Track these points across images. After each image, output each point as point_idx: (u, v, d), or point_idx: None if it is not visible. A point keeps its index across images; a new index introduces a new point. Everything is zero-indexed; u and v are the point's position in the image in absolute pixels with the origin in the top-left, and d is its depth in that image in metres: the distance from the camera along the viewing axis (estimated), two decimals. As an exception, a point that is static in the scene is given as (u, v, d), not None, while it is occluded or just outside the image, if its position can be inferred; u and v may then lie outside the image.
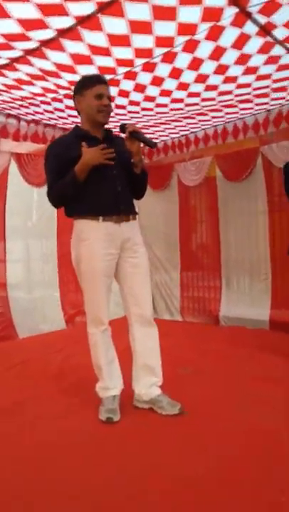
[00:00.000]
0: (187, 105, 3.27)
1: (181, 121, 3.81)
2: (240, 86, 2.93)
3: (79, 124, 2.24)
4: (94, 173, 2.03)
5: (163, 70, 2.63)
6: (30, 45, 2.26)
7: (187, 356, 3.14)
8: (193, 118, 3.72)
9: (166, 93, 3.00)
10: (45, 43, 2.26)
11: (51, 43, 2.26)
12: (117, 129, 2.26)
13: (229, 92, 3.03)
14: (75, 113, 3.43)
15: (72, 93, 2.87)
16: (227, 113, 3.62)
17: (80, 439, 1.93)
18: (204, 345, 3.55)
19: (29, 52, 2.34)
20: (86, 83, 2.08)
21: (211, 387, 2.54)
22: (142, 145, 2.10)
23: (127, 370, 2.27)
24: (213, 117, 3.73)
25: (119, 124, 2.20)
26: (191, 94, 3.04)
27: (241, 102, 3.29)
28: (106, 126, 2.18)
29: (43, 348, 3.55)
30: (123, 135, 2.11)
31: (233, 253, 4.37)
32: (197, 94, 3.03)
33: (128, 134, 2.05)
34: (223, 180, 4.29)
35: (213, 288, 4.55)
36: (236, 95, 3.11)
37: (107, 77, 2.61)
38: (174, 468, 1.67)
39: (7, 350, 3.58)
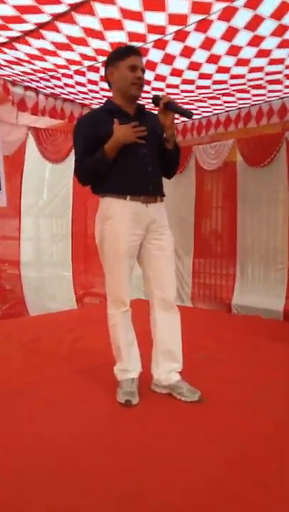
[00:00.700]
0: (215, 82, 3.12)
1: (205, 101, 3.68)
2: (273, 62, 2.76)
3: (110, 98, 2.14)
4: (124, 150, 1.95)
5: (194, 39, 2.50)
6: (60, 8, 2.14)
7: (201, 342, 3.09)
8: (218, 99, 3.59)
9: (194, 66, 2.85)
10: (74, 7, 2.14)
11: (81, 7, 2.14)
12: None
13: (260, 69, 2.88)
14: (95, 88, 3.37)
15: (97, 64, 2.82)
16: (254, 94, 3.47)
17: (96, 423, 1.88)
18: (217, 332, 3.51)
19: (57, 16, 2.22)
20: (120, 54, 1.99)
21: (226, 374, 2.50)
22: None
23: (143, 353, 2.22)
24: (239, 99, 3.59)
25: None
26: (220, 69, 2.89)
27: (271, 82, 3.15)
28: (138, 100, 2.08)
29: (54, 327, 3.52)
30: (156, 108, 2.00)
31: (249, 241, 4.29)
32: (227, 70, 2.88)
33: (162, 106, 1.94)
34: (243, 166, 4.18)
35: (226, 276, 4.48)
36: (267, 73, 2.95)
37: (136, 44, 2.52)
38: (194, 457, 1.62)
39: (18, 327, 3.56)
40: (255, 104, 3.82)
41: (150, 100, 2.09)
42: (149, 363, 2.20)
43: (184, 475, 1.49)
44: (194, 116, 4.29)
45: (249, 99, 3.60)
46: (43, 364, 2.64)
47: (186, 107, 3.64)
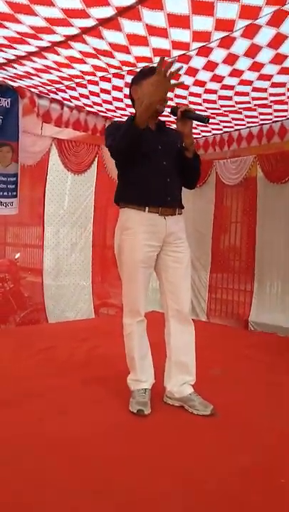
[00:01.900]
0: (237, 94, 3.13)
1: (227, 115, 3.70)
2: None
3: (132, 114, 2.18)
4: (144, 163, 2.01)
5: (217, 54, 2.54)
6: (89, 23, 2.21)
7: (216, 358, 3.04)
8: (240, 113, 3.61)
9: (217, 78, 2.88)
10: (103, 22, 2.21)
11: (108, 23, 2.21)
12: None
13: (282, 85, 2.89)
14: (119, 95, 3.42)
15: (122, 72, 2.89)
16: (276, 110, 3.47)
17: (107, 432, 1.86)
18: (233, 349, 3.46)
19: (85, 30, 2.29)
20: (144, 74, 2.06)
21: (241, 390, 2.45)
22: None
23: (157, 364, 2.21)
24: (261, 113, 3.59)
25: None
26: (242, 82, 2.90)
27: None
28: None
29: (71, 335, 3.54)
30: (174, 117, 2.05)
31: (268, 257, 4.23)
32: (249, 82, 2.90)
33: (180, 115, 1.99)
34: (264, 181, 4.16)
35: (244, 292, 4.42)
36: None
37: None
38: (204, 470, 1.59)
39: (36, 334, 3.60)
40: (277, 121, 3.82)
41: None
42: (162, 374, 2.19)
43: (192, 486, 1.47)
44: (216, 132, 4.33)
45: (271, 114, 3.60)
46: (56, 371, 2.64)
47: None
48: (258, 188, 4.24)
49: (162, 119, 2.22)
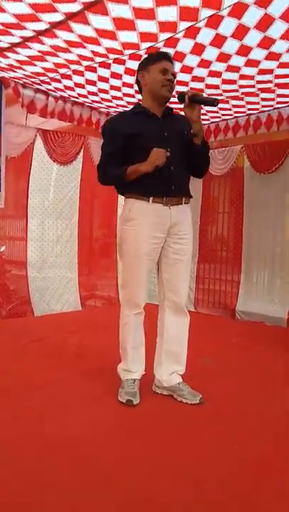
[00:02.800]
0: (224, 82, 3.09)
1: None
2: (282, 65, 2.75)
3: (139, 101, 2.20)
4: (147, 151, 1.94)
5: (205, 35, 2.46)
6: (74, 7, 2.16)
7: (204, 347, 3.06)
8: (227, 102, 3.60)
9: (205, 64, 2.83)
10: (88, 6, 2.16)
11: (94, 6, 2.16)
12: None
13: (270, 71, 2.87)
14: (105, 86, 3.36)
15: (108, 61, 2.84)
16: (263, 99, 3.46)
17: (98, 423, 1.86)
18: (221, 338, 3.49)
19: (71, 16, 2.24)
20: (152, 58, 2.04)
21: (229, 379, 2.48)
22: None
23: (147, 355, 2.21)
24: (248, 103, 3.57)
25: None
26: (230, 68, 2.86)
27: (280, 86, 3.14)
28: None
29: (59, 328, 3.51)
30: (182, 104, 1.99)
31: (255, 247, 4.26)
32: (237, 69, 2.86)
33: (188, 100, 1.93)
34: (251, 171, 4.17)
35: (231, 282, 4.45)
36: (277, 76, 2.94)
37: (147, 44, 2.57)
38: (194, 460, 1.61)
39: (24, 327, 3.56)
40: (265, 111, 3.83)
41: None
42: (152, 363, 2.20)
43: (193, 476, 1.48)
44: (203, 122, 4.31)
45: (258, 103, 3.60)
46: (46, 363, 2.62)
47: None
48: (244, 179, 4.25)
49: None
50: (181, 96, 1.97)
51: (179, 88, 3.24)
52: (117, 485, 1.42)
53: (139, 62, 2.16)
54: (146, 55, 2.11)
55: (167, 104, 2.11)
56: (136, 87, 3.25)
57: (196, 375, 2.29)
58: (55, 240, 4.33)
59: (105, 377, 2.33)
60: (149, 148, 1.93)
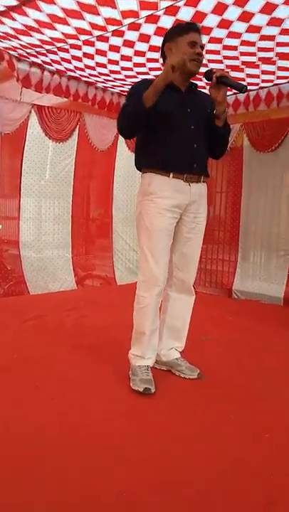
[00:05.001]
0: (225, 47, 2.96)
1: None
2: (284, 32, 2.66)
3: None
4: (170, 126, 1.90)
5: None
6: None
7: (202, 325, 3.08)
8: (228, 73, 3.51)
9: (205, 31, 2.67)
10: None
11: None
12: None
13: (271, 38, 2.76)
14: (103, 60, 3.28)
15: (107, 34, 2.75)
16: (263, 71, 3.37)
17: (102, 399, 1.89)
18: (218, 316, 3.51)
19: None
20: (180, 30, 1.93)
21: (226, 355, 2.52)
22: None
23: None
24: (248, 75, 3.47)
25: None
26: (231, 34, 2.75)
27: (281, 57, 3.05)
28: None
29: (55, 306, 3.52)
30: (208, 82, 1.91)
31: (252, 227, 4.26)
32: (238, 35, 2.75)
33: (215, 80, 1.85)
34: (250, 150, 4.13)
35: (228, 261, 4.46)
36: (278, 43, 2.84)
37: (147, 12, 2.47)
38: (197, 435, 1.64)
39: (20, 305, 3.56)
40: (264, 87, 3.75)
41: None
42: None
43: (204, 453, 1.50)
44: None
45: (258, 77, 3.50)
46: (47, 339, 2.65)
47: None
48: (244, 157, 4.21)
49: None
50: (208, 74, 1.90)
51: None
52: (113, 451, 1.44)
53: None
54: (172, 26, 1.98)
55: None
56: (135, 60, 3.22)
57: (195, 352, 2.31)
58: (51, 219, 4.29)
59: (104, 351, 2.35)
60: (172, 122, 1.88)
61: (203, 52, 2.06)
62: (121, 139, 4.54)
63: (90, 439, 1.54)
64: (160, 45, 2.04)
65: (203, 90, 2.14)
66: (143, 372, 1.99)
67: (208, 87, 1.99)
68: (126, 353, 2.10)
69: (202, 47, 1.95)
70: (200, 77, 2.21)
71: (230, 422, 1.70)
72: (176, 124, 1.91)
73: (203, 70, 1.99)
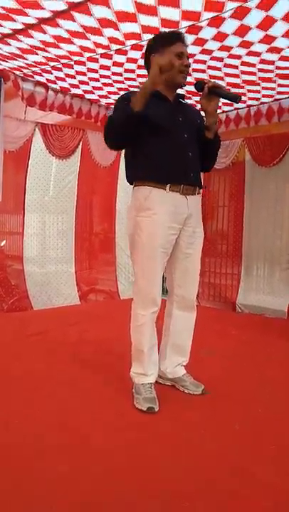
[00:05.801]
0: (226, 66, 3.03)
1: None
2: (283, 58, 2.77)
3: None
4: (163, 135, 1.85)
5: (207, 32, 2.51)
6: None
7: (206, 339, 3.06)
8: (228, 90, 3.57)
9: (206, 52, 2.81)
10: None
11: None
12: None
13: (271, 63, 2.87)
14: (107, 73, 3.32)
15: (110, 52, 2.80)
16: (264, 87, 3.44)
17: (104, 413, 1.88)
18: (222, 330, 3.50)
19: (73, 6, 2.23)
20: (166, 40, 1.88)
21: (230, 370, 2.50)
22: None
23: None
24: (250, 91, 3.53)
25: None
26: (231, 56, 2.84)
27: (281, 76, 3.13)
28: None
29: (59, 321, 3.52)
30: (199, 93, 1.90)
31: (255, 241, 4.27)
32: (238, 57, 2.84)
33: (207, 91, 1.81)
34: (252, 165, 4.17)
35: (231, 275, 4.46)
36: (278, 67, 2.95)
37: (148, 36, 2.49)
38: (212, 447, 1.62)
39: (24, 320, 3.56)
40: (265, 103, 3.81)
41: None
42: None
43: (206, 464, 1.49)
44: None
45: (259, 92, 3.56)
46: (50, 353, 2.64)
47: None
48: (246, 172, 4.25)
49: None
50: (200, 84, 1.84)
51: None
52: (108, 461, 1.43)
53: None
54: (155, 36, 1.96)
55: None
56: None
57: (198, 366, 2.29)
58: (55, 235, 4.32)
59: (105, 366, 2.35)
60: (164, 130, 1.84)
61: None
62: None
63: (91, 443, 1.54)
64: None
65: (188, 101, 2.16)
66: (146, 390, 1.94)
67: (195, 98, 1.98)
68: (128, 366, 2.08)
69: (188, 57, 1.91)
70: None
71: (236, 433, 1.70)
72: (168, 132, 1.85)
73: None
